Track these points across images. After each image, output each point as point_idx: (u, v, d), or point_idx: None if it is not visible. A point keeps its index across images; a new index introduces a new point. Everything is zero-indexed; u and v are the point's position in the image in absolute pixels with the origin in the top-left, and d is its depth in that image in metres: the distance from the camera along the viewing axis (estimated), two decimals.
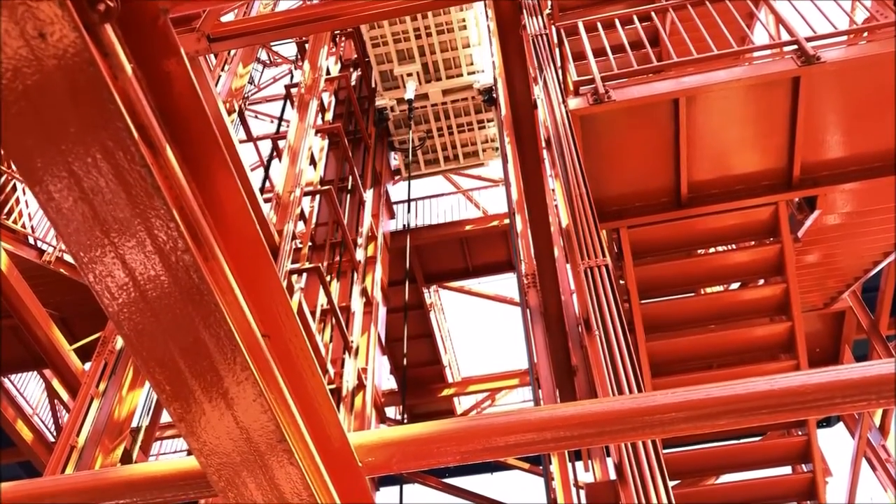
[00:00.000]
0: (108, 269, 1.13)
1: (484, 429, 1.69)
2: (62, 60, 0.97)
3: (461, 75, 11.94)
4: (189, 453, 1.56)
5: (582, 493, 7.01)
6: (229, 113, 10.11)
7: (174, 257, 1.13)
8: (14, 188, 9.44)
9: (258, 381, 1.30)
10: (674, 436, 1.66)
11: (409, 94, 11.49)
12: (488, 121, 12.51)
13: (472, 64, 11.85)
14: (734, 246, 6.89)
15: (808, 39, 5.68)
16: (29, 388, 10.90)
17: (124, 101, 1.04)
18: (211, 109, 7.42)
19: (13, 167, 9.72)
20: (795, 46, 5.68)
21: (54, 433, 10.38)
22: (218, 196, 1.36)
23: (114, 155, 1.04)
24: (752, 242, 6.71)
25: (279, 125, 11.47)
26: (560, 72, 6.32)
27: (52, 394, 10.56)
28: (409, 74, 11.68)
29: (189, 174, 1.30)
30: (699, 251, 6.91)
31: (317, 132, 10.14)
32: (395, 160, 13.26)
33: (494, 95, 11.80)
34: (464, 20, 11.23)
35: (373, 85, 12.52)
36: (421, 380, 11.13)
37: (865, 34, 5.89)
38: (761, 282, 6.89)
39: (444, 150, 12.86)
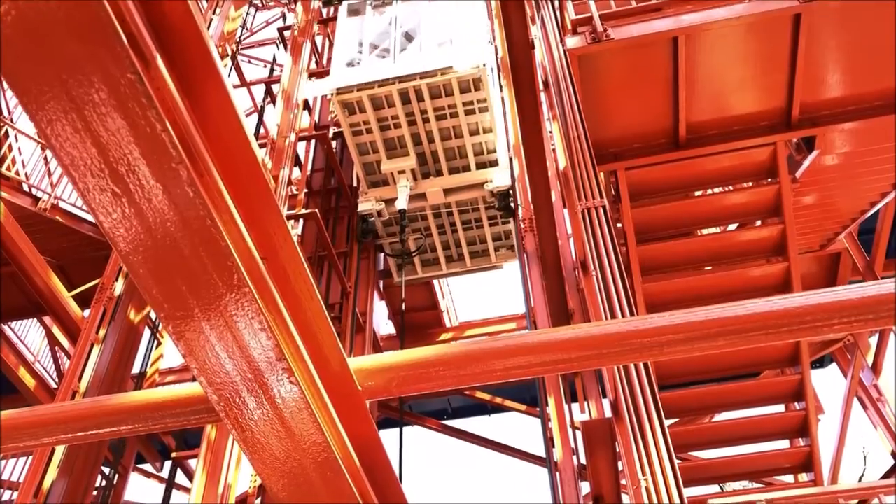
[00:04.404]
0: (103, 182, 1.12)
1: (483, 352, 1.69)
2: None
3: (468, 168, 9.03)
4: (193, 380, 1.56)
5: (578, 433, 7.11)
6: (222, 57, 9.97)
7: (167, 170, 1.11)
8: (6, 135, 9.34)
9: (256, 300, 1.30)
10: (672, 357, 1.66)
11: (402, 202, 8.60)
12: (503, 218, 9.55)
13: (481, 153, 8.98)
14: (731, 187, 6.88)
15: None
16: (30, 335, 10.96)
17: (112, 6, 1.01)
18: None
19: (3, 114, 9.61)
20: None
21: (56, 379, 10.47)
22: (212, 115, 1.33)
23: (103, 62, 1.02)
24: (750, 183, 6.70)
25: (272, 69, 11.30)
26: (558, 10, 6.22)
27: (52, 341, 10.63)
28: (402, 172, 8.78)
29: (182, 91, 1.27)
30: (696, 192, 6.90)
31: (311, 76, 10.01)
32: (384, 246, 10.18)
33: (512, 203, 8.98)
34: (472, 102, 8.49)
35: (353, 183, 9.70)
36: (419, 324, 11.19)
37: None
38: (758, 223, 6.90)
39: (445, 250, 9.91)
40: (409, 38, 8.85)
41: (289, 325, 1.46)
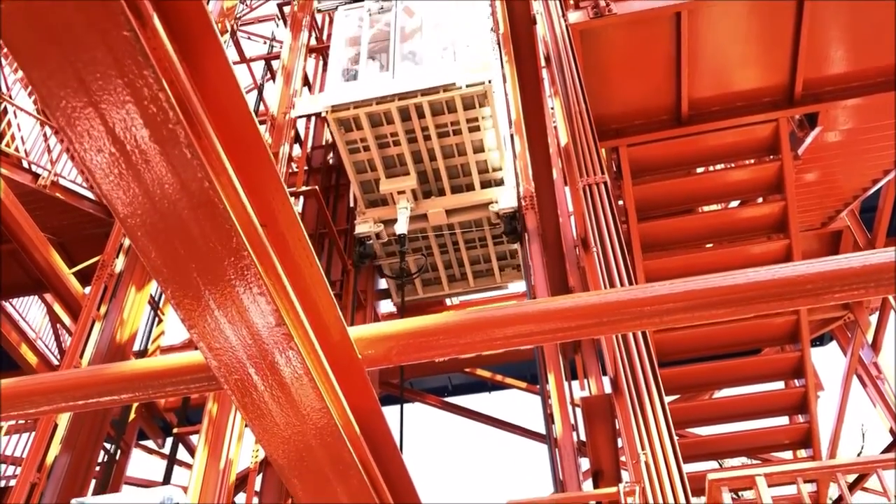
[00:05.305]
0: (100, 144, 1.11)
1: (482, 321, 1.69)
2: None
3: (472, 187, 8.55)
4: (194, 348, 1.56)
5: (578, 410, 7.15)
6: (221, 34, 9.90)
7: (164, 131, 1.10)
8: (6, 111, 9.30)
9: (255, 264, 1.29)
10: (672, 325, 1.66)
11: (402, 226, 8.09)
12: (509, 241, 9.03)
13: (486, 171, 8.52)
14: (733, 164, 6.85)
15: None
16: (31, 312, 10.97)
17: None
18: None
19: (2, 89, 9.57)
20: None
21: (58, 356, 10.50)
22: (210, 79, 1.31)
23: (98, 20, 1.00)
24: (752, 160, 6.67)
25: (271, 46, 11.22)
26: None
27: (53, 318, 10.65)
28: (401, 192, 8.27)
29: (180, 53, 1.26)
30: (698, 169, 6.88)
31: (310, 52, 9.94)
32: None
33: (519, 227, 8.51)
34: (476, 119, 8.07)
35: (350, 203, 9.12)
36: (420, 304, 11.20)
37: None
38: (760, 200, 6.88)
39: (447, 269, 9.46)
40: (409, 47, 8.46)
41: (288, 292, 1.45)
